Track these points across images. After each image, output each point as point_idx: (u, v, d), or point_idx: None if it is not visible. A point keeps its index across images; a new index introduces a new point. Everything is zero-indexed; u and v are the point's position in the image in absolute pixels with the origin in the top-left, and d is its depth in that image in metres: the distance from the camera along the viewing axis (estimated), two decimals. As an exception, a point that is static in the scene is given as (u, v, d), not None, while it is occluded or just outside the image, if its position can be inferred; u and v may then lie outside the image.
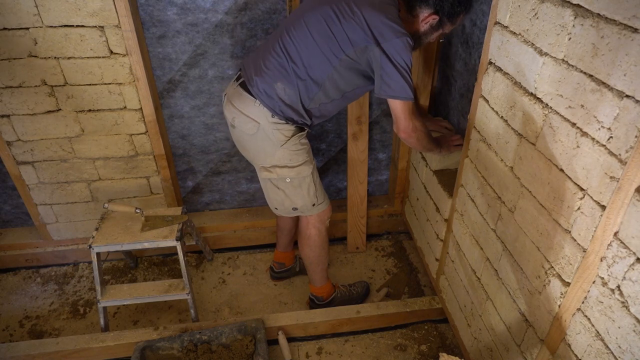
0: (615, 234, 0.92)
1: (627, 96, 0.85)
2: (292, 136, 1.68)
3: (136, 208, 1.94)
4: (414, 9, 1.58)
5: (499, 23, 1.28)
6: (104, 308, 1.94)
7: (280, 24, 1.97)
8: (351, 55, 1.54)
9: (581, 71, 0.97)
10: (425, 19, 1.58)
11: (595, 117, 0.94)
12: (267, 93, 1.61)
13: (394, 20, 1.48)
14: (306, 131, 1.74)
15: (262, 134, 1.66)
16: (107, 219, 1.99)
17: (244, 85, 1.67)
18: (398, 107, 1.57)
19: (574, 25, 0.98)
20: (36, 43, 1.81)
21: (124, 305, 2.21)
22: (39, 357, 1.86)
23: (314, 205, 1.84)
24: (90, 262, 2.43)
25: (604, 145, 0.93)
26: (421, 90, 2.14)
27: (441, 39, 1.64)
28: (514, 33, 1.21)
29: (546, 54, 1.08)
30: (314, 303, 2.15)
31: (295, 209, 1.83)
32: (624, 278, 0.91)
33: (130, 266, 2.43)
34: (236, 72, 1.88)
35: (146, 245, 1.88)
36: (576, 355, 1.09)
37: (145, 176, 2.25)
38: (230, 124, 1.74)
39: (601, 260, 0.97)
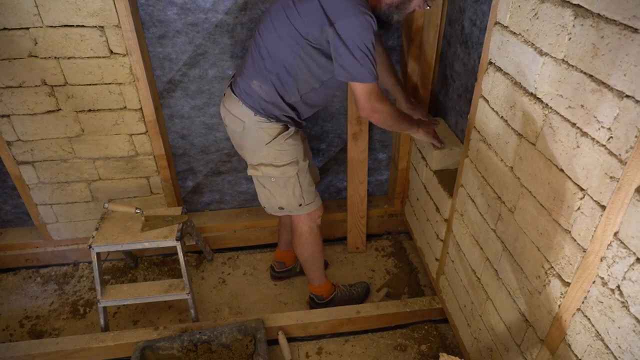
0: (615, 234, 0.92)
1: (627, 96, 0.85)
2: (278, 135, 1.67)
3: (136, 208, 1.94)
4: None
5: (499, 23, 1.28)
6: (104, 308, 1.94)
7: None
8: (311, 40, 1.47)
9: (581, 71, 0.97)
10: None
11: (595, 117, 0.94)
12: (247, 92, 1.63)
13: None
14: (292, 129, 1.70)
15: (248, 132, 1.68)
16: (107, 219, 1.99)
17: (231, 86, 1.71)
18: (357, 89, 1.50)
19: (574, 26, 0.98)
20: (36, 43, 1.81)
21: (124, 305, 2.21)
22: (39, 357, 1.86)
23: (300, 205, 1.83)
24: (90, 262, 2.43)
25: (604, 145, 0.93)
26: (421, 90, 2.14)
27: (426, 6, 1.54)
28: (514, 33, 1.21)
29: (546, 54, 1.08)
30: (314, 302, 2.15)
31: (281, 208, 1.83)
32: (624, 278, 0.91)
33: (130, 266, 2.43)
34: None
35: (146, 245, 1.88)
36: (576, 355, 1.09)
37: (145, 176, 2.25)
38: (224, 123, 1.79)
39: (601, 260, 0.97)
